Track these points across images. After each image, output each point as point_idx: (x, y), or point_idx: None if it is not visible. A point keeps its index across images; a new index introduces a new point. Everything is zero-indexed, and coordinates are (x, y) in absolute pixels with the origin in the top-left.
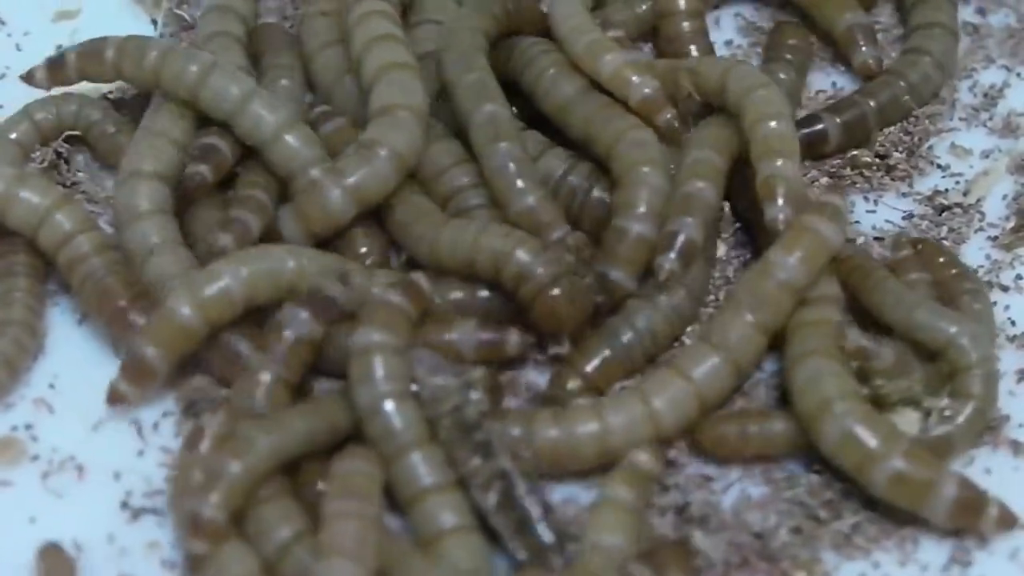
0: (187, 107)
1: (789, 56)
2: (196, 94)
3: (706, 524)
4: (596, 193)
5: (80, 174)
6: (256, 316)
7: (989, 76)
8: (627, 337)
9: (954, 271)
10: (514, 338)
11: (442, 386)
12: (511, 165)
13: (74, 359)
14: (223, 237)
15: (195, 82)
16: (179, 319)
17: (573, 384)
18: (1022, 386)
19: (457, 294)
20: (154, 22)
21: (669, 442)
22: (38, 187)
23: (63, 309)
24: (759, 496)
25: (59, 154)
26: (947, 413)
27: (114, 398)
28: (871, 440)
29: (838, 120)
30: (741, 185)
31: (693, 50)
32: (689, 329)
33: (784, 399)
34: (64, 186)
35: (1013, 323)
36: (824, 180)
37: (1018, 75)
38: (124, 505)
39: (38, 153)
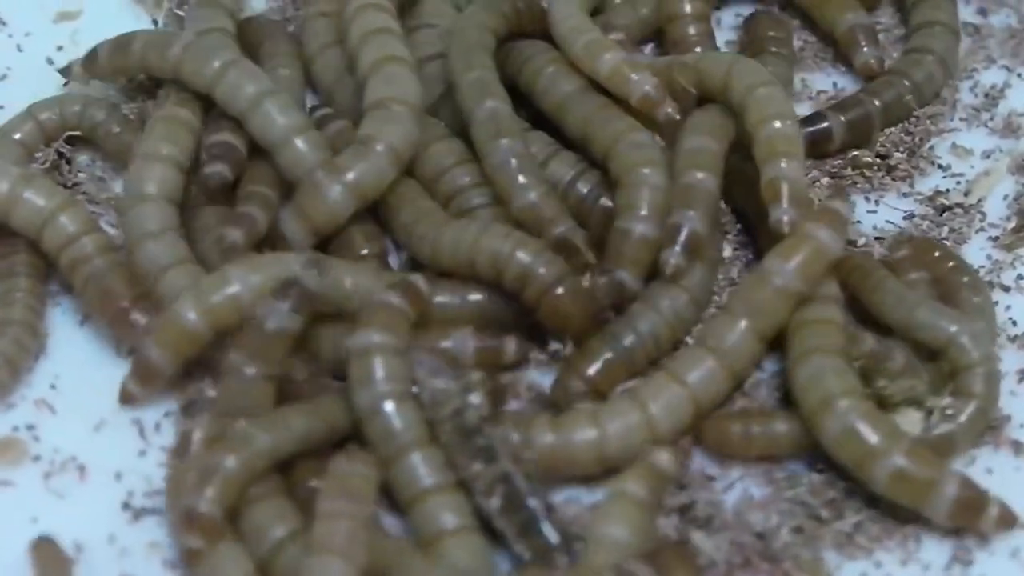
0: (184, 125)
1: (774, 48)
2: (213, 89)
3: (709, 525)
4: (604, 201)
5: (81, 175)
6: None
7: (990, 76)
8: (629, 340)
9: (950, 264)
10: (512, 345)
11: (442, 390)
12: (513, 161)
13: (76, 360)
14: (233, 232)
15: (213, 77)
16: (184, 323)
17: (576, 387)
18: (1023, 386)
19: (457, 296)
20: (155, 22)
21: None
22: (42, 188)
23: (65, 310)
24: (761, 496)
25: (61, 155)
26: (949, 412)
27: (125, 397)
28: (873, 436)
29: (843, 118)
30: (741, 184)
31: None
32: (693, 332)
33: (786, 399)
34: (65, 187)
35: (1014, 323)
36: (825, 180)
37: (1019, 75)
38: (125, 506)
39: (40, 154)
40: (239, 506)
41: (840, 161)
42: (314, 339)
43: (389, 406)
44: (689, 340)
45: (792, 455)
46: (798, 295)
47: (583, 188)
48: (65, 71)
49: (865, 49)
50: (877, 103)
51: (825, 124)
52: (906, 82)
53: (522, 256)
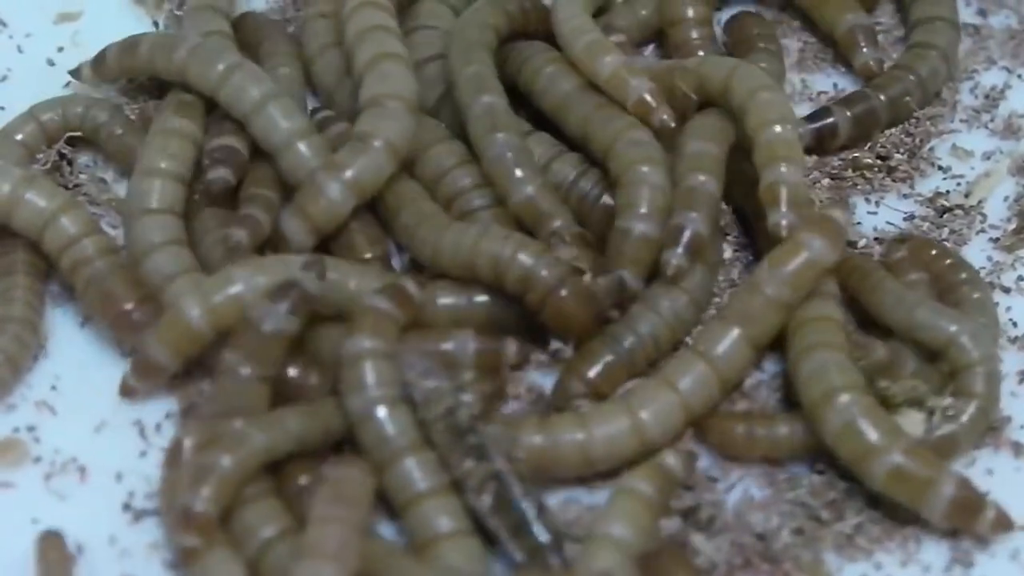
0: (182, 136)
1: (763, 45)
2: (217, 92)
3: (710, 526)
4: (606, 199)
5: (82, 176)
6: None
7: (990, 78)
8: (630, 342)
9: (948, 262)
10: (512, 346)
11: (433, 389)
12: (509, 155)
13: (76, 361)
14: (237, 232)
15: (218, 80)
16: (187, 320)
17: (576, 389)
18: (1023, 388)
19: (463, 298)
20: (156, 24)
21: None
22: (44, 190)
23: (66, 311)
24: (761, 497)
25: (62, 156)
26: (950, 413)
27: (125, 391)
28: (873, 432)
29: (848, 114)
30: (740, 184)
31: None
32: (693, 333)
33: (786, 400)
34: (66, 188)
35: (1015, 324)
36: (826, 181)
37: (1019, 77)
38: (126, 507)
39: (41, 155)
40: (231, 506)
41: (840, 162)
42: (314, 339)
43: (381, 411)
44: (689, 341)
45: (794, 458)
46: (789, 305)
47: (585, 186)
48: (75, 72)
49: (865, 50)
50: (883, 98)
51: (831, 119)
52: (911, 77)
53: (524, 259)
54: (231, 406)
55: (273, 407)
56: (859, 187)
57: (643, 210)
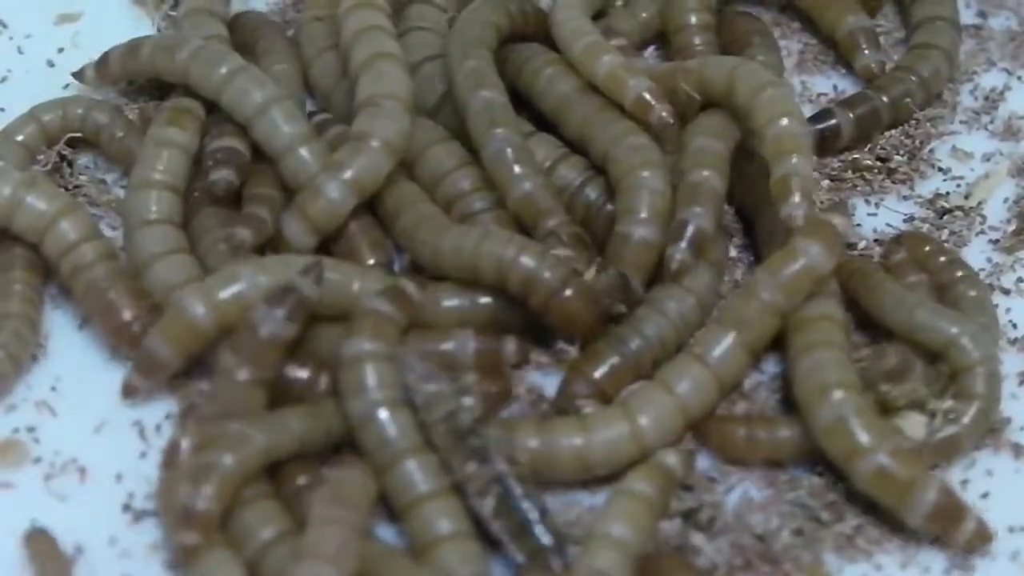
0: (176, 147)
1: (758, 39)
2: (219, 95)
3: (710, 527)
4: (611, 207)
5: (83, 177)
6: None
7: (990, 79)
8: (635, 344)
9: (945, 260)
10: (511, 346)
11: (435, 393)
12: (508, 151)
13: (76, 361)
14: (242, 231)
15: (220, 83)
16: (191, 317)
17: (582, 391)
18: (1023, 389)
19: (467, 299)
20: (158, 29)
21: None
22: (44, 193)
23: (65, 312)
24: (761, 498)
25: (63, 157)
26: (951, 415)
27: (127, 390)
28: (861, 432)
29: (851, 114)
30: (742, 185)
31: None
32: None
33: (785, 401)
34: (66, 189)
35: (1014, 326)
36: (825, 183)
37: (1019, 78)
38: (126, 507)
39: (41, 156)
40: (230, 508)
41: (840, 163)
42: (313, 339)
43: (383, 413)
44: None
45: (796, 461)
46: (785, 309)
47: (591, 194)
48: (78, 74)
49: (866, 52)
50: (885, 99)
51: (834, 121)
52: (913, 78)
53: (526, 261)
54: (227, 409)
55: (274, 408)
56: (859, 189)
57: (643, 215)
